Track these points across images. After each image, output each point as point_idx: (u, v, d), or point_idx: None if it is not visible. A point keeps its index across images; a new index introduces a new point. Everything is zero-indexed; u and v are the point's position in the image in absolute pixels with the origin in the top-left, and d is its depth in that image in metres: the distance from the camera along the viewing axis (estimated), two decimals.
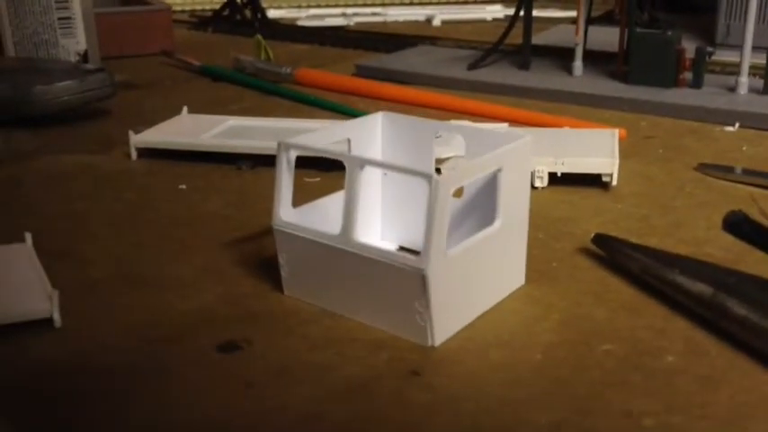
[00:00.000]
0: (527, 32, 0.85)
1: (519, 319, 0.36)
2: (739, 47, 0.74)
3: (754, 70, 0.75)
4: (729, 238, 0.44)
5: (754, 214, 0.43)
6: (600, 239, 0.41)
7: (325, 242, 0.35)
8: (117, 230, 0.47)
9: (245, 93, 0.85)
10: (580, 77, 0.82)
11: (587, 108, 0.75)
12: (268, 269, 0.41)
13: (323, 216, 0.39)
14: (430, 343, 0.33)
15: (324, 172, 0.57)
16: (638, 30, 0.78)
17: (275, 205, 0.37)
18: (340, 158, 0.35)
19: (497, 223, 0.36)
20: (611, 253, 0.41)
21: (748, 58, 0.73)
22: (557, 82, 0.80)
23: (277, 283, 0.39)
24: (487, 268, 0.36)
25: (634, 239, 0.44)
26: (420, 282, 0.32)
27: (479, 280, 0.36)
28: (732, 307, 0.33)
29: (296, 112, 0.76)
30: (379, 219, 0.44)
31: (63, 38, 0.88)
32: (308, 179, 0.56)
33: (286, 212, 0.37)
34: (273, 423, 0.29)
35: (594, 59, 0.86)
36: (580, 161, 0.52)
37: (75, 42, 0.89)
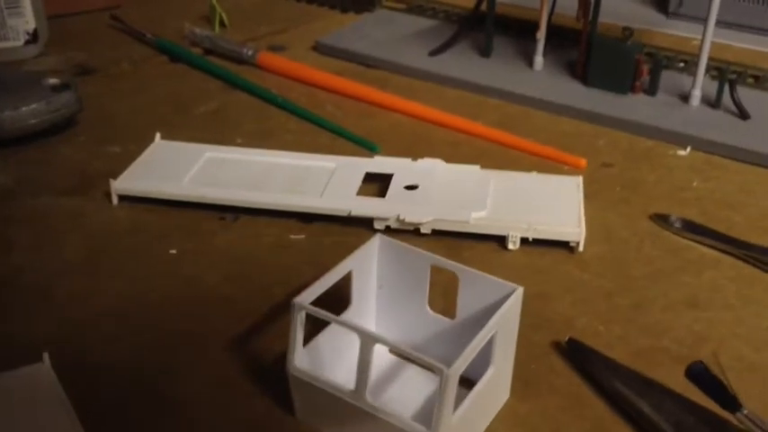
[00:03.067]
0: (490, 16, 0.86)
1: None
2: (694, 19, 0.75)
3: (710, 61, 0.78)
4: (685, 331, 0.50)
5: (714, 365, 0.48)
6: (573, 346, 0.46)
7: (339, 395, 0.39)
8: (119, 325, 0.49)
9: (208, 84, 0.84)
10: (541, 72, 0.84)
11: (547, 114, 0.78)
12: (277, 381, 0.44)
13: (333, 350, 0.43)
14: None
15: (306, 224, 0.60)
16: (600, 37, 0.80)
17: (290, 353, 0.40)
18: (355, 332, 0.38)
19: (491, 370, 0.40)
20: (583, 362, 0.46)
21: (704, 67, 0.76)
22: (517, 81, 0.82)
23: (289, 401, 0.43)
24: (481, 407, 0.41)
25: (602, 326, 0.50)
26: None
27: (476, 418, 0.41)
28: None
29: (265, 114, 0.76)
30: (373, 314, 0.47)
31: (10, 18, 0.84)
32: (292, 236, 0.59)
33: (300, 359, 0.40)
34: None
35: (557, 37, 0.88)
36: (550, 229, 0.56)
37: (24, 22, 0.85)
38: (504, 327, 0.40)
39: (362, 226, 0.59)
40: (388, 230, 0.58)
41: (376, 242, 0.45)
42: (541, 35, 0.83)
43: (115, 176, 0.63)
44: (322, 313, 0.39)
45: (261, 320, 0.50)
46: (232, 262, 0.56)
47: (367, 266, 0.45)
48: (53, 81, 0.69)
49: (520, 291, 0.41)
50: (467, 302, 0.43)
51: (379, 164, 0.64)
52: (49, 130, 0.69)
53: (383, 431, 0.38)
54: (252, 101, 0.80)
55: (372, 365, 0.38)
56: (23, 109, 0.66)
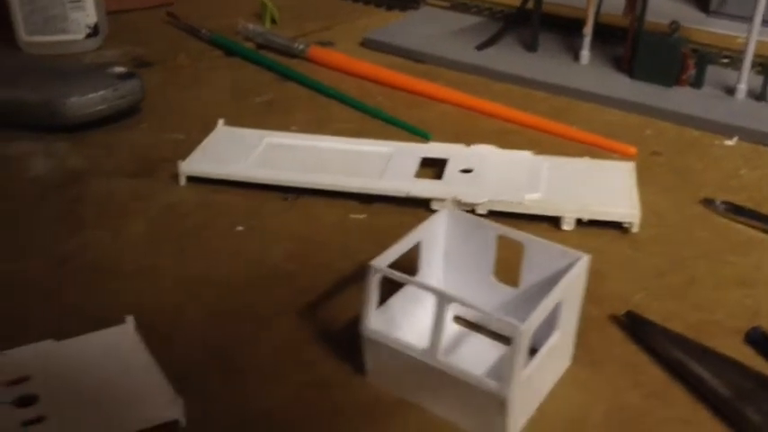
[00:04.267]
0: (536, 12, 0.88)
1: (571, 412, 0.43)
2: (735, 17, 0.77)
3: (757, 58, 0.79)
4: (736, 306, 0.51)
5: None
6: (631, 318, 0.48)
7: (412, 354, 0.41)
8: (189, 293, 0.52)
9: (262, 76, 0.86)
10: (587, 66, 0.86)
11: (594, 105, 0.80)
12: (345, 346, 0.47)
13: (404, 314, 0.45)
14: None
15: (366, 205, 0.62)
16: (646, 31, 0.81)
17: (364, 314, 0.42)
18: (430, 292, 0.40)
19: (557, 334, 0.42)
20: (641, 333, 0.47)
21: (750, 61, 0.77)
22: (564, 74, 0.84)
23: (357, 366, 0.45)
24: (547, 369, 0.43)
25: (656, 303, 0.51)
26: (500, 403, 0.38)
27: (541, 380, 0.42)
28: (749, 414, 0.40)
29: (317, 104, 0.79)
30: (440, 284, 0.49)
31: (72, 12, 0.88)
32: (352, 216, 0.61)
33: (373, 321, 0.42)
34: None
35: (602, 35, 0.89)
36: (605, 210, 0.58)
37: (86, 15, 0.88)
38: (570, 292, 0.42)
39: (420, 207, 0.61)
40: None
41: (444, 214, 0.47)
42: (588, 30, 0.85)
43: (172, 164, 0.66)
44: (398, 275, 0.41)
45: (326, 293, 0.52)
46: (295, 239, 0.58)
47: (435, 237, 0.47)
48: (119, 69, 0.72)
49: (586, 258, 0.43)
50: (531, 271, 0.45)
51: (434, 149, 0.66)
52: (114, 117, 0.72)
53: (454, 389, 0.40)
54: (304, 92, 0.83)
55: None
56: (92, 95, 0.69)
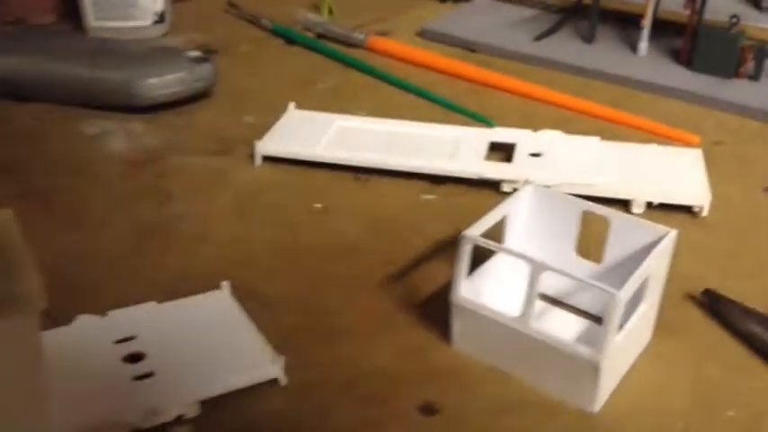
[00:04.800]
0: (595, 4, 0.89)
1: (655, 383, 0.44)
2: None
3: None
4: None
5: None
6: (710, 296, 0.49)
7: (504, 322, 0.42)
8: (279, 262, 0.54)
9: (323, 64, 0.88)
10: (645, 57, 0.87)
11: (653, 96, 0.81)
12: (429, 316, 0.48)
13: (491, 284, 0.47)
14: (592, 410, 0.42)
15: (436, 186, 0.64)
16: (706, 25, 0.82)
17: (454, 283, 0.44)
18: (523, 260, 0.41)
19: (643, 306, 0.43)
20: (719, 310, 0.48)
21: None
22: (622, 65, 0.85)
23: (443, 334, 0.47)
24: (633, 340, 0.44)
25: (729, 282, 0.52)
26: (593, 368, 0.40)
27: (627, 351, 0.44)
28: None
29: (380, 91, 0.81)
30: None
31: None
32: (424, 196, 0.63)
33: (464, 289, 0.44)
34: None
35: (658, 28, 0.90)
36: (676, 193, 0.59)
37: (153, 2, 0.91)
38: (658, 266, 0.43)
39: (489, 188, 0.62)
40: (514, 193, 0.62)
41: (530, 190, 0.48)
42: (647, 22, 0.86)
43: (252, 142, 0.68)
44: (492, 244, 0.43)
45: (406, 266, 0.54)
46: (371, 217, 0.60)
47: (520, 213, 0.48)
48: (194, 54, 0.75)
49: (673, 233, 0.44)
50: (615, 247, 0.46)
51: (502, 134, 0.67)
52: (188, 99, 0.75)
53: (545, 356, 0.41)
54: (366, 79, 0.85)
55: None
56: (169, 77, 0.72)
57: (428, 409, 0.42)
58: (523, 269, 0.47)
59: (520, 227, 0.49)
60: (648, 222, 0.45)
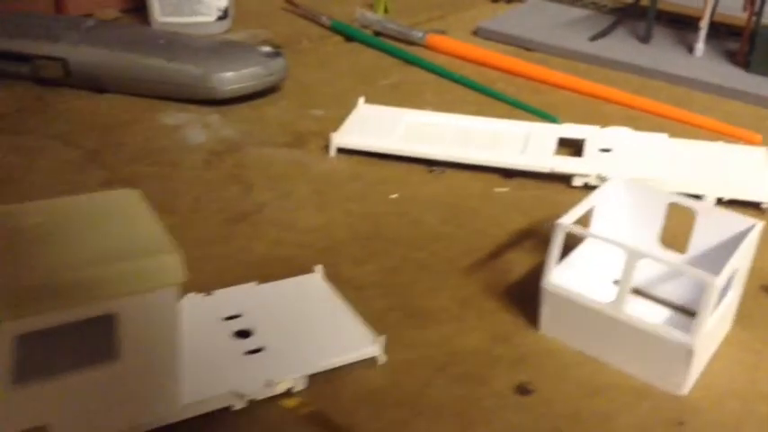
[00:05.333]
0: (652, 6, 0.90)
1: (739, 369, 0.46)
2: None
3: None
4: None
5: None
6: None
7: (596, 307, 0.44)
8: (364, 251, 0.56)
9: (382, 61, 0.90)
10: (701, 58, 0.88)
11: (711, 96, 0.82)
12: (513, 302, 0.50)
13: (574, 273, 0.49)
14: (681, 393, 0.43)
15: (507, 179, 0.66)
16: (764, 27, 0.83)
17: (546, 269, 0.46)
18: (620, 248, 0.43)
19: (731, 294, 0.45)
20: None
21: None
22: (680, 65, 0.86)
23: (529, 320, 0.49)
24: (719, 327, 0.45)
25: None
26: (686, 353, 0.42)
27: (714, 337, 0.45)
28: None
29: (442, 88, 0.83)
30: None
31: None
32: (496, 189, 0.64)
33: (556, 276, 0.46)
34: None
35: (713, 30, 0.91)
36: (745, 189, 0.60)
37: None
38: (744, 257, 0.45)
39: (560, 182, 0.64)
40: (585, 188, 0.63)
41: (617, 181, 0.50)
42: (704, 23, 0.87)
43: (323, 135, 0.70)
44: (587, 232, 0.45)
45: (487, 255, 0.56)
46: (446, 207, 0.62)
47: (607, 203, 0.50)
48: (266, 49, 0.77)
49: (760, 225, 0.45)
50: (700, 238, 0.48)
51: (570, 130, 0.69)
52: (259, 93, 0.77)
53: (637, 341, 0.43)
54: (427, 76, 0.87)
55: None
56: (243, 71, 0.74)
57: (523, 389, 0.44)
58: (609, 259, 0.49)
59: (605, 218, 0.50)
60: (736, 214, 0.46)
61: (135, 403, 0.37)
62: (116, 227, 0.37)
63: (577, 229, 0.44)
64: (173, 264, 0.35)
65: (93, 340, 0.36)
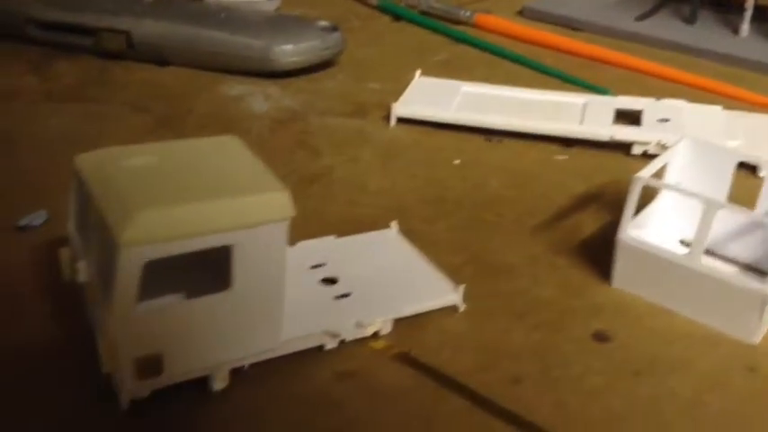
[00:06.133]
0: None
1: None
2: None
3: None
4: None
5: None
6: None
7: (672, 259, 0.45)
8: (432, 211, 0.57)
9: (432, 39, 0.92)
10: (747, 38, 0.89)
11: (759, 75, 0.83)
12: (583, 259, 0.52)
13: (653, 224, 0.50)
14: (754, 341, 0.45)
15: (566, 148, 0.67)
16: None
17: (622, 222, 0.47)
18: (698, 200, 0.44)
19: None
20: None
21: None
22: (726, 43, 0.87)
23: (600, 275, 0.50)
24: None
25: None
26: (760, 299, 0.43)
27: None
28: None
29: (492, 64, 0.84)
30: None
31: None
32: (556, 156, 0.66)
33: (631, 229, 0.47)
34: (663, 410, 0.41)
35: (756, 18, 0.92)
36: None
37: None
38: None
39: (618, 151, 0.66)
40: (644, 156, 0.65)
41: (686, 141, 0.51)
42: (750, 4, 0.88)
43: (381, 106, 0.72)
44: (664, 184, 0.46)
45: (552, 216, 0.57)
46: (508, 173, 0.63)
47: (676, 162, 0.51)
48: (323, 23, 0.79)
49: None
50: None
51: (627, 102, 0.71)
52: (315, 67, 0.79)
53: (710, 291, 0.45)
54: (476, 53, 0.88)
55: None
56: (303, 45, 0.76)
57: (600, 337, 0.45)
58: (676, 219, 0.51)
59: (676, 177, 0.52)
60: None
61: (242, 334, 0.38)
62: (225, 167, 0.39)
63: (655, 182, 0.46)
64: (283, 200, 0.37)
65: (197, 275, 0.38)
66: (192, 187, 0.36)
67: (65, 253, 0.40)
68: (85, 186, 0.37)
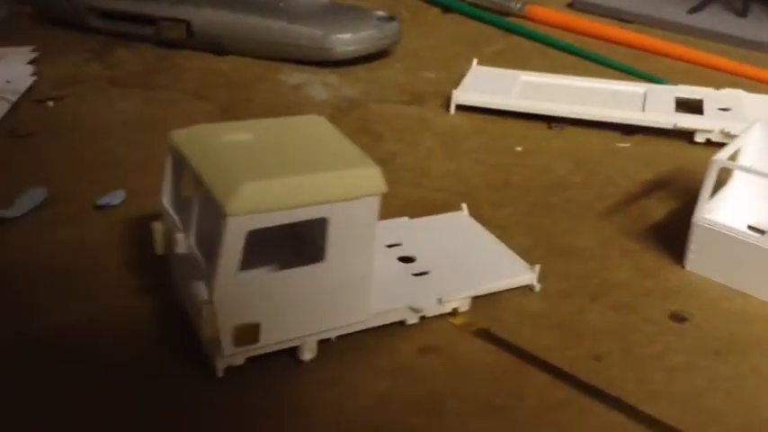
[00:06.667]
0: None
1: None
2: None
3: None
4: None
5: None
6: None
7: (749, 242, 0.46)
8: (498, 196, 0.58)
9: (483, 30, 0.93)
10: None
11: None
12: (654, 243, 0.52)
13: (722, 209, 0.50)
14: None
15: (628, 135, 0.67)
16: None
17: (699, 204, 0.47)
18: None
19: None
20: None
21: None
22: None
23: (672, 258, 0.50)
24: None
25: None
26: None
27: None
28: None
29: (546, 54, 0.85)
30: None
31: None
32: (618, 144, 0.66)
33: (706, 212, 0.47)
34: (746, 387, 0.41)
35: None
36: None
37: None
38: None
39: (680, 139, 0.66)
40: (707, 144, 0.65)
41: (759, 126, 0.51)
42: None
43: (439, 94, 0.73)
44: (741, 166, 0.46)
45: (618, 200, 0.57)
46: (572, 159, 0.63)
47: (748, 147, 0.51)
48: (381, 14, 0.80)
49: None
50: None
51: (687, 91, 0.70)
52: (372, 57, 0.80)
53: None
54: (529, 44, 0.89)
55: None
56: (361, 33, 0.77)
57: (677, 317, 0.46)
58: (746, 205, 0.51)
59: (748, 162, 0.52)
60: None
61: (332, 306, 0.39)
62: (317, 143, 0.40)
63: (732, 165, 0.46)
64: (376, 175, 0.38)
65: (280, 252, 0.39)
66: (290, 162, 0.37)
67: (158, 227, 0.42)
68: (186, 161, 0.38)
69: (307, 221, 0.38)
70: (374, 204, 0.38)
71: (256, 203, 0.34)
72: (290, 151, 0.38)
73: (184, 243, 0.38)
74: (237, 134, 0.39)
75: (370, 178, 0.38)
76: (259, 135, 0.40)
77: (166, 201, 0.41)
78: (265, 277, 0.36)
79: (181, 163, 0.41)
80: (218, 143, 0.38)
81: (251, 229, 0.35)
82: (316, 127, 0.42)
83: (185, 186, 0.38)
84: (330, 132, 0.41)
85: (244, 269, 0.36)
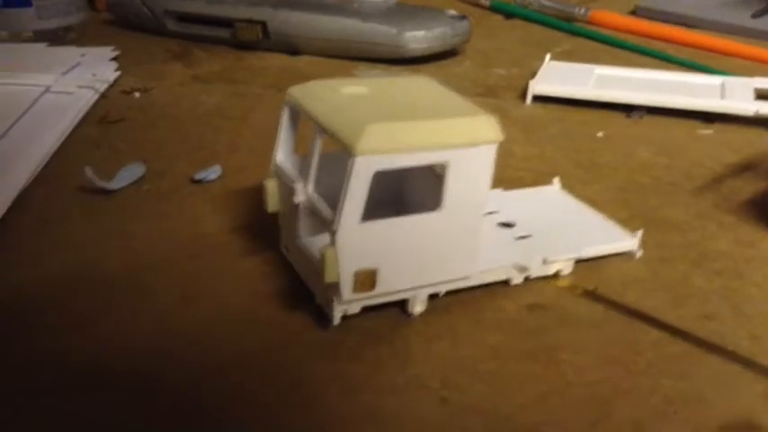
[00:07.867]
0: None
1: None
2: None
3: None
4: None
5: None
6: None
7: None
8: (586, 174, 0.58)
9: (548, 34, 0.94)
10: None
11: None
12: (752, 217, 0.52)
13: None
14: None
15: (709, 124, 0.67)
16: None
17: None
18: None
19: None
20: None
21: None
22: None
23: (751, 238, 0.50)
24: None
25: None
26: None
27: None
28: None
29: (616, 56, 0.85)
30: None
31: None
32: (701, 131, 0.66)
33: None
34: None
35: None
36: None
37: None
38: None
39: (760, 127, 0.66)
40: None
41: None
42: None
43: (513, 88, 0.74)
44: None
45: (707, 180, 0.57)
46: (654, 144, 0.63)
47: None
48: (452, 12, 0.81)
49: None
50: None
51: (764, 82, 0.70)
52: (442, 55, 0.81)
53: None
54: (597, 46, 0.89)
55: None
56: (434, 31, 0.78)
57: None
58: None
59: None
60: None
61: (444, 258, 0.39)
62: (432, 96, 0.41)
63: None
64: (493, 123, 0.39)
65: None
66: (410, 109, 0.38)
67: (270, 183, 0.42)
68: (307, 112, 0.39)
69: (411, 182, 0.38)
70: (491, 152, 0.38)
71: (383, 143, 0.35)
72: (408, 101, 0.39)
73: (303, 192, 0.39)
74: (354, 88, 0.40)
75: (489, 125, 0.38)
76: (374, 89, 0.40)
77: (282, 156, 0.42)
78: (386, 223, 0.37)
79: (297, 119, 0.42)
80: (337, 95, 0.39)
81: (378, 169, 0.35)
82: (427, 84, 0.43)
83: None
84: (441, 89, 0.42)
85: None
